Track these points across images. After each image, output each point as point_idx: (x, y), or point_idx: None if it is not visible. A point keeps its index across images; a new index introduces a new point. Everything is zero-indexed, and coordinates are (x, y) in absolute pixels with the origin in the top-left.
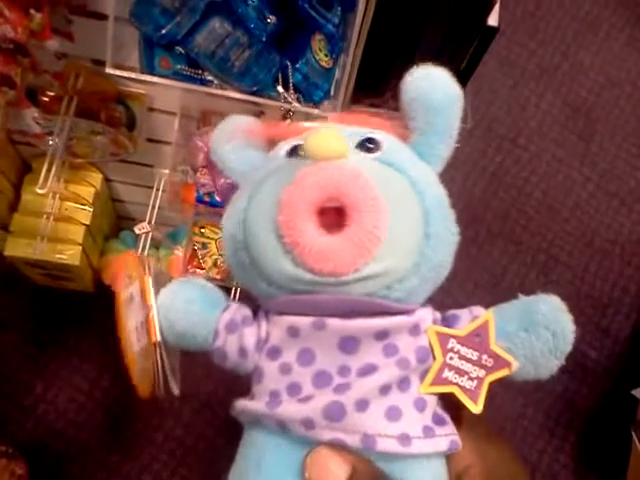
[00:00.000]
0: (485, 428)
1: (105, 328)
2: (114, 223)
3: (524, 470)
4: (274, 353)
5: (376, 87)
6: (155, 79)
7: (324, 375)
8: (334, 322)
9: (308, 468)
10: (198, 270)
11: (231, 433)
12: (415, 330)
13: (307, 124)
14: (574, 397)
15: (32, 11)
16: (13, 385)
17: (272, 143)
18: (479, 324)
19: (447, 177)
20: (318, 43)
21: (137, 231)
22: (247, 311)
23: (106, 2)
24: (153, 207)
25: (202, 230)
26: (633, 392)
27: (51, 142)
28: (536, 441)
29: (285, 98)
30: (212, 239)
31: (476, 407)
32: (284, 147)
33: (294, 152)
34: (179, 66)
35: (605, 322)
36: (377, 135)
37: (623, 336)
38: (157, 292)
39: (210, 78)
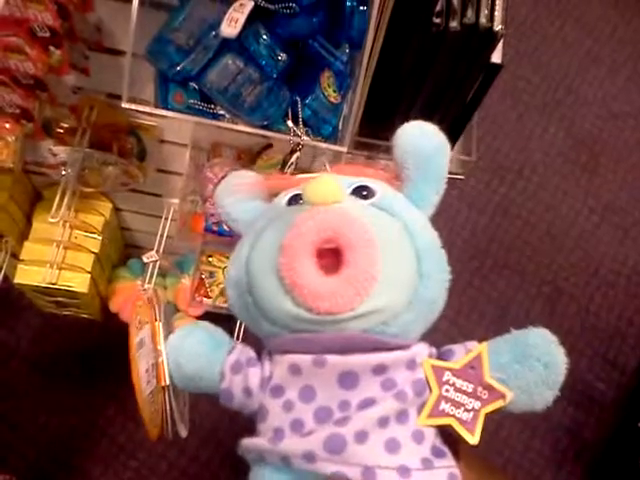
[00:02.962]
0: (484, 461)
1: (111, 357)
2: (122, 251)
3: None
4: (277, 391)
5: (383, 121)
6: (170, 114)
7: (325, 410)
8: (333, 358)
9: None
10: (205, 299)
11: (236, 464)
12: (412, 364)
13: (305, 175)
14: (581, 429)
15: (52, 48)
16: (17, 413)
17: (272, 194)
18: (473, 356)
19: (452, 209)
20: (327, 80)
21: (145, 260)
22: (251, 352)
23: (121, 39)
24: (161, 236)
25: (210, 259)
26: None
27: (64, 172)
28: (543, 474)
29: (294, 132)
30: (219, 268)
31: (473, 438)
32: (284, 197)
33: (293, 200)
34: (192, 100)
35: (612, 354)
36: (371, 183)
37: (630, 368)
38: (166, 334)
39: (222, 112)
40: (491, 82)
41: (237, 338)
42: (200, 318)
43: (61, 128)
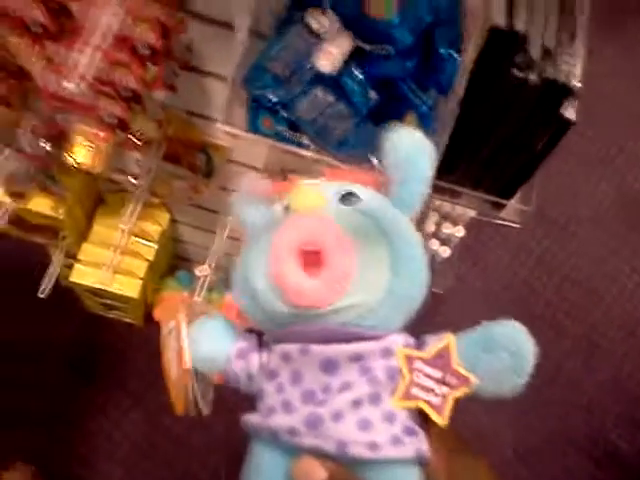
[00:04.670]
0: (457, 443)
1: (143, 362)
2: (171, 261)
3: None
4: (272, 375)
5: (450, 166)
6: (263, 139)
7: (310, 392)
8: (316, 348)
9: (294, 472)
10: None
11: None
12: (387, 353)
13: (302, 181)
14: None
15: (149, 64)
16: (49, 410)
17: (278, 198)
18: (442, 346)
19: (494, 256)
20: (411, 120)
21: (198, 273)
22: (255, 340)
23: (208, 60)
24: (215, 251)
25: None
26: None
27: (136, 182)
28: None
29: (379, 170)
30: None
31: (441, 420)
32: (281, 203)
33: (286, 207)
34: (280, 128)
35: (639, 415)
36: (357, 189)
37: None
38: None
39: (306, 142)
40: (561, 137)
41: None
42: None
43: (140, 139)
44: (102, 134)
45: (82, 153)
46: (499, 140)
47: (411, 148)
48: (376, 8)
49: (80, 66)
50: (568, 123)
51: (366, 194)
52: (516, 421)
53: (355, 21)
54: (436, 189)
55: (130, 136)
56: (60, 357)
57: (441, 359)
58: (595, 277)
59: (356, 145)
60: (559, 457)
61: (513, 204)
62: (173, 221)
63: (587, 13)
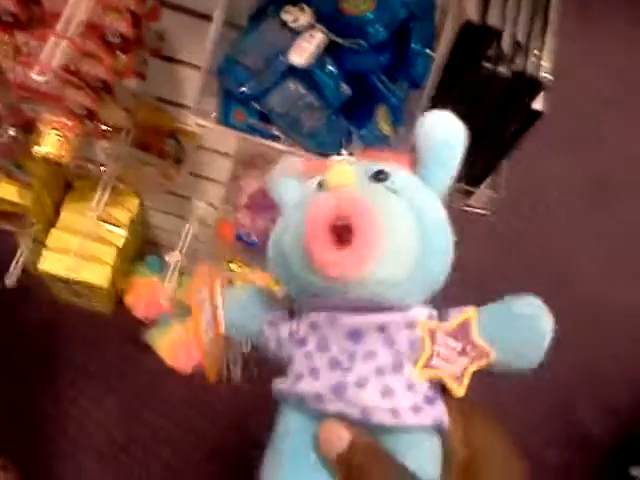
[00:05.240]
0: (474, 412)
1: (115, 351)
2: (140, 246)
3: (516, 454)
4: (301, 343)
5: None
6: (235, 132)
7: (336, 360)
8: (344, 317)
9: (320, 435)
10: None
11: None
12: (410, 324)
13: (335, 159)
14: (574, 472)
15: (119, 52)
16: (16, 398)
17: (311, 177)
18: (464, 319)
19: (464, 239)
20: (382, 114)
21: (168, 259)
22: (285, 311)
23: (179, 48)
24: (185, 237)
25: (230, 265)
26: (631, 470)
27: (104, 169)
28: None
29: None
30: (236, 272)
31: (459, 390)
32: (315, 180)
33: (320, 184)
34: (252, 120)
35: (609, 397)
36: (387, 167)
37: (624, 412)
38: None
39: (277, 134)
40: (530, 127)
41: None
42: None
43: (109, 128)
44: (70, 124)
45: (50, 143)
46: (469, 131)
47: (449, 134)
48: (351, 4)
49: (47, 56)
50: (537, 114)
51: (396, 172)
52: (486, 403)
53: (330, 16)
54: None
55: (99, 125)
56: (26, 345)
57: (462, 331)
58: (563, 258)
59: (327, 137)
60: (530, 442)
61: (483, 191)
62: (143, 206)
63: (559, 7)
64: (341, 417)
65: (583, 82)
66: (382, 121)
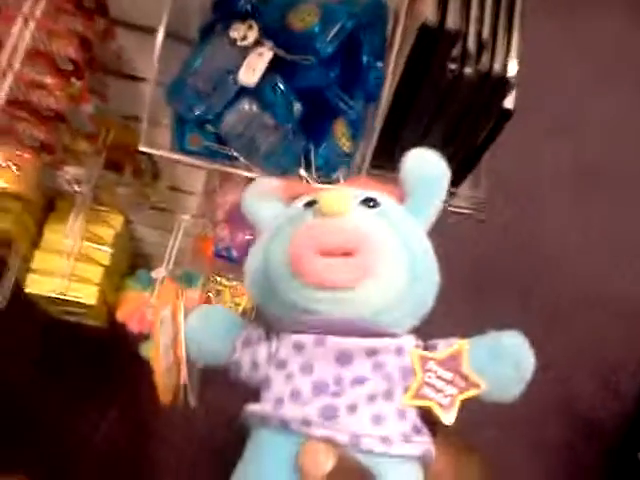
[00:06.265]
0: (462, 440)
1: (113, 364)
2: (131, 260)
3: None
4: (281, 365)
5: (394, 161)
6: (183, 158)
7: (322, 383)
8: (333, 339)
9: (301, 456)
10: None
11: None
12: (399, 352)
13: (322, 186)
14: (581, 457)
15: (73, 79)
16: (17, 414)
17: (291, 197)
18: (455, 350)
19: (458, 229)
20: (341, 129)
21: (154, 275)
22: (261, 331)
23: (139, 66)
24: (171, 252)
25: (218, 278)
26: None
27: (78, 189)
28: None
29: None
30: (226, 287)
31: (448, 419)
32: (302, 200)
33: (309, 205)
34: (208, 142)
35: (614, 382)
36: (377, 195)
37: (630, 397)
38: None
39: (237, 154)
40: (502, 126)
41: None
42: None
43: (73, 152)
44: (26, 156)
45: (5, 177)
46: (439, 135)
47: (434, 176)
48: (297, 18)
49: None
50: (507, 113)
51: (385, 200)
52: None
53: (278, 32)
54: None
55: (58, 154)
56: (26, 361)
57: (453, 362)
58: (554, 245)
59: (285, 157)
60: (536, 426)
61: (462, 192)
62: (128, 223)
63: (522, 4)
64: (327, 440)
65: (570, 74)
66: (341, 136)
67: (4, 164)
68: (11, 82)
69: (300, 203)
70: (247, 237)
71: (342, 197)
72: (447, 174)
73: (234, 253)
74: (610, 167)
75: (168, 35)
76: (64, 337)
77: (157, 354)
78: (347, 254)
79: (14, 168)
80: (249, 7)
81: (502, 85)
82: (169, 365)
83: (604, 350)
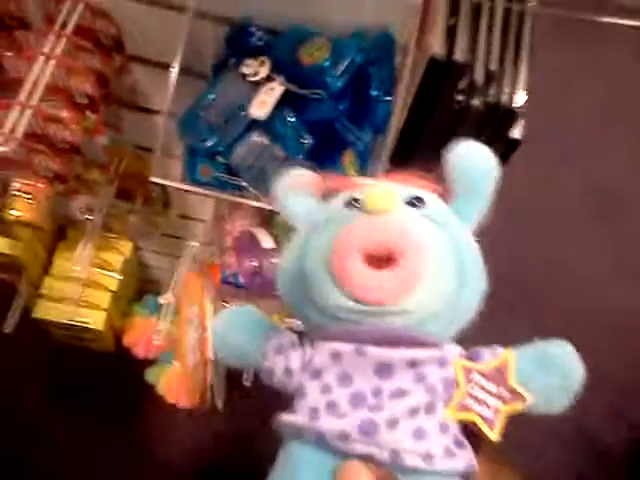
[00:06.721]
0: (504, 457)
1: (119, 389)
2: (138, 285)
3: None
4: (316, 374)
5: None
6: (194, 188)
7: (360, 396)
8: (373, 350)
9: (343, 475)
10: None
11: None
12: (443, 362)
13: (362, 180)
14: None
15: (88, 113)
16: (24, 436)
17: (326, 193)
18: (501, 361)
19: None
20: (349, 160)
21: (161, 301)
22: (293, 336)
23: (153, 99)
24: (179, 276)
25: (224, 304)
26: None
27: (89, 217)
28: None
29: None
30: None
31: (493, 435)
32: (343, 197)
33: (351, 203)
34: (219, 173)
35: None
36: (423, 194)
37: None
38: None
39: (246, 184)
40: (510, 155)
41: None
42: None
43: (86, 182)
44: (40, 186)
45: (20, 207)
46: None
47: (481, 171)
48: (307, 53)
49: (10, 125)
50: (515, 142)
51: (432, 200)
52: None
53: (289, 67)
54: None
55: (71, 184)
56: (34, 384)
57: (498, 373)
58: (565, 267)
59: None
60: (544, 451)
61: None
62: (137, 249)
63: (530, 35)
64: (366, 458)
65: (587, 98)
66: (349, 167)
67: (18, 193)
68: (30, 116)
69: (340, 200)
70: (253, 264)
71: (388, 194)
72: (496, 170)
73: (241, 279)
74: (627, 192)
75: (181, 69)
76: (71, 361)
77: (184, 354)
78: (391, 258)
79: (27, 197)
80: (261, 43)
81: (510, 116)
82: (195, 366)
83: (609, 372)
